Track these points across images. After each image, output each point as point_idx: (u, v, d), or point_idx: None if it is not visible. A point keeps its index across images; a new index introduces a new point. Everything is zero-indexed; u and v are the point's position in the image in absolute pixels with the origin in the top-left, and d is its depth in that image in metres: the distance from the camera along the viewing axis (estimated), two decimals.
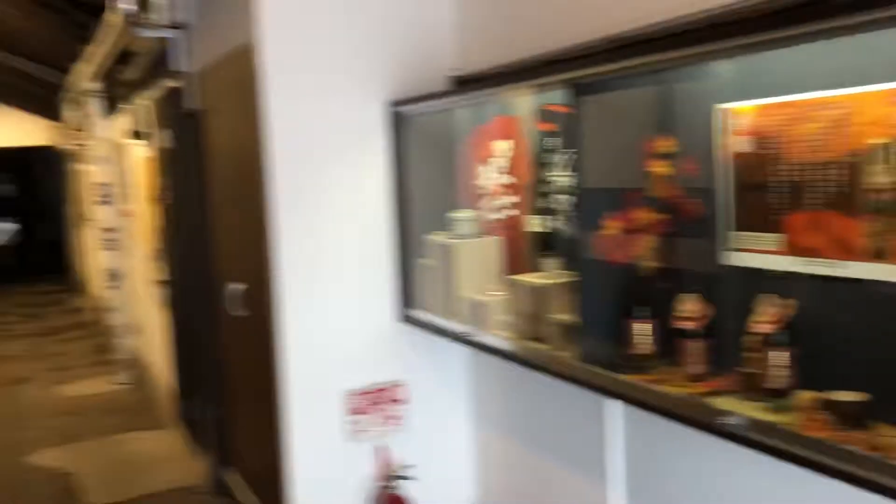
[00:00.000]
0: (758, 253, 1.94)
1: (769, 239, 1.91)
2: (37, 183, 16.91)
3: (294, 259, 3.08)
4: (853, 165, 1.68)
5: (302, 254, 3.09)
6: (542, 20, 2.74)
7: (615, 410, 2.51)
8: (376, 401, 3.21)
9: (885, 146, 1.61)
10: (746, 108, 1.95)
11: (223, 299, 3.83)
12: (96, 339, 8.63)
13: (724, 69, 1.94)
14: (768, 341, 1.81)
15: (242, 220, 3.50)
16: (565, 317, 2.40)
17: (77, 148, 8.39)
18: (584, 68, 2.20)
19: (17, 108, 11.36)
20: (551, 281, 2.51)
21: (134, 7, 3.72)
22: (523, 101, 2.80)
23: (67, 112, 7.51)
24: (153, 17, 3.82)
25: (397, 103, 3.14)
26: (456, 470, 3.41)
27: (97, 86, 6.09)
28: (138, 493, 4.36)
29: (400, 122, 3.15)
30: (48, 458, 5.02)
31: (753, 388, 1.85)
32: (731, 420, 1.79)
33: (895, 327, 1.65)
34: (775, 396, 1.80)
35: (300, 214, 3.08)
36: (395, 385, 3.24)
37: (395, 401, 3.24)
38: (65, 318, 10.31)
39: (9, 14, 5.85)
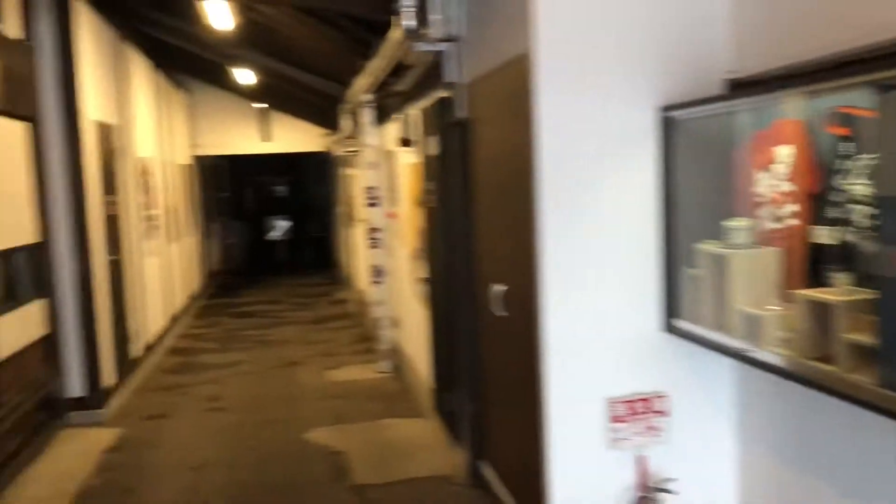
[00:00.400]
0: None
1: None
2: (307, 185, 18.73)
3: (558, 263, 3.14)
4: None
5: (566, 258, 3.14)
6: (831, 17, 2.55)
7: None
8: (638, 410, 3.17)
9: None
10: None
11: (485, 299, 4.00)
12: (359, 329, 9.38)
13: None
14: None
15: (507, 224, 3.63)
16: (860, 337, 2.22)
17: (348, 154, 9.16)
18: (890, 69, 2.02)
19: (297, 117, 12.62)
20: (842, 298, 2.33)
21: (414, 23, 3.98)
22: (810, 105, 2.63)
23: (343, 121, 8.21)
24: (431, 32, 4.06)
25: (669, 108, 3.08)
26: (718, 488, 3.28)
27: (370, 97, 6.60)
28: (400, 477, 4.67)
29: (671, 127, 3.09)
30: (321, 435, 5.53)
31: None
32: None
33: None
34: None
35: (566, 219, 3.13)
36: (658, 396, 3.18)
37: (656, 412, 3.18)
38: (330, 308, 11.30)
39: (301, 34, 6.54)
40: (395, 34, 4.46)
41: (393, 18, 4.35)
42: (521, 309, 3.47)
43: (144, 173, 8.39)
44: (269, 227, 18.25)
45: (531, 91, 3.10)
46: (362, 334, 9.00)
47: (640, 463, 3.17)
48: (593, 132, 3.12)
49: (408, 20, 3.89)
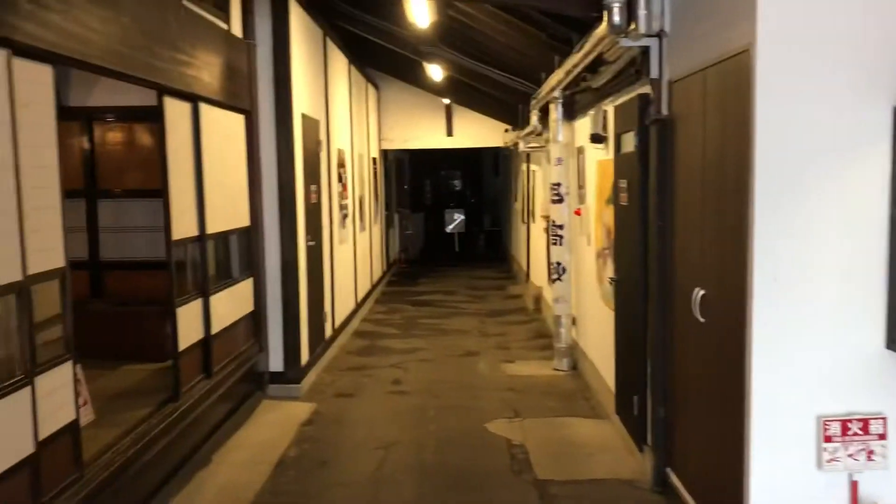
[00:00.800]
0: None
1: None
2: (482, 179, 19.02)
3: (770, 269, 2.99)
4: None
5: (779, 264, 2.99)
6: None
7: None
8: (853, 431, 2.97)
9: None
10: None
11: (681, 302, 3.89)
12: (535, 324, 9.41)
13: None
14: None
15: (712, 226, 3.50)
16: None
17: (531, 150, 9.18)
18: None
19: (478, 112, 12.80)
20: None
21: (621, 18, 3.93)
22: None
23: (529, 117, 8.25)
24: (636, 27, 4.00)
25: None
26: None
27: (562, 93, 6.58)
28: (582, 477, 4.65)
29: None
30: (501, 426, 5.61)
31: None
32: None
33: None
34: None
35: (781, 223, 2.98)
36: (877, 417, 2.96)
37: (875, 434, 2.96)
38: (505, 302, 11.41)
39: (497, 31, 6.63)
40: (596, 30, 4.43)
41: (594, 15, 4.31)
42: (723, 315, 3.34)
43: (341, 165, 8.85)
44: (445, 219, 18.70)
45: (750, 89, 2.97)
46: (538, 330, 9.02)
47: (854, 487, 2.97)
48: (817, 131, 2.95)
49: (614, 15, 3.83)
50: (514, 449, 5.15)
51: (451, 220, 18.85)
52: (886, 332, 2.95)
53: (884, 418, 2.96)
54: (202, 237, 5.09)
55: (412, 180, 18.46)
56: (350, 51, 9.87)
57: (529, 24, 6.26)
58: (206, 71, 5.17)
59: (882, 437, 2.96)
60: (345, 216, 9.17)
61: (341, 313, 8.84)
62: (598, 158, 6.03)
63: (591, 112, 6.10)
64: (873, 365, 2.98)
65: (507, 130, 11.87)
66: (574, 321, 7.22)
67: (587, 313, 6.79)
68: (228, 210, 5.69)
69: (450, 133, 13.44)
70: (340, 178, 8.87)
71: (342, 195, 8.90)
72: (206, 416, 5.09)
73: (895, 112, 2.89)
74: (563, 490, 4.47)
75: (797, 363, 3.01)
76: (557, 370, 7.16)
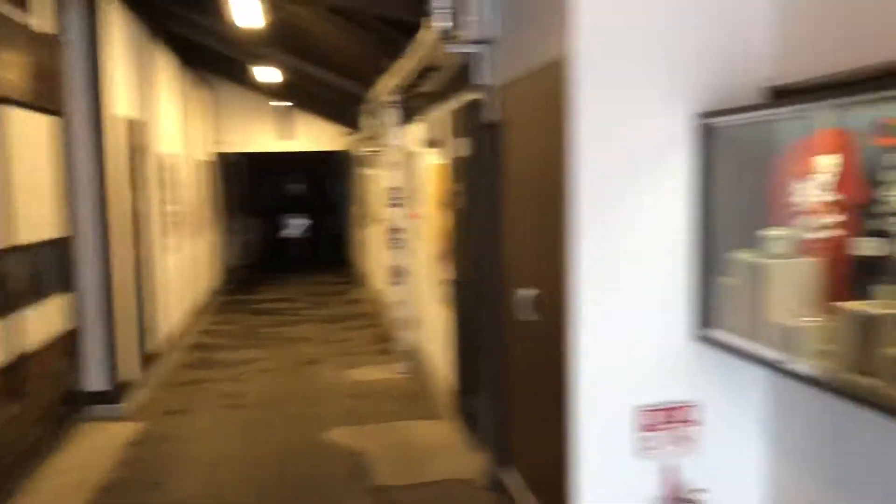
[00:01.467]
0: None
1: None
2: (325, 184, 18.78)
3: (591, 269, 3.11)
4: None
5: (599, 264, 3.11)
6: (875, 27, 2.52)
7: None
8: (668, 419, 3.14)
9: None
10: None
11: (512, 303, 3.98)
12: (377, 329, 9.37)
13: None
14: None
15: (538, 228, 3.60)
16: None
17: (368, 154, 9.16)
18: None
19: (319, 116, 12.64)
20: (886, 311, 2.30)
21: (449, 24, 3.96)
22: (855, 114, 2.59)
23: (364, 121, 8.22)
24: (465, 33, 4.05)
25: (707, 115, 3.05)
26: (748, 501, 3.24)
27: (395, 97, 6.59)
28: (421, 480, 4.66)
29: (709, 135, 3.06)
30: (341, 435, 5.53)
31: None
32: None
33: None
34: None
35: (600, 225, 3.10)
36: (688, 405, 3.15)
37: (687, 421, 3.15)
38: (347, 307, 11.30)
39: (329, 33, 6.54)
40: (425, 35, 4.45)
41: (424, 20, 4.33)
42: (551, 314, 3.45)
43: (167, 169, 8.43)
44: (287, 224, 18.30)
45: (567, 96, 3.08)
46: (380, 334, 9.00)
47: (670, 473, 3.14)
48: (630, 138, 3.09)
49: (441, 21, 3.86)
50: (354, 457, 5.08)
51: (292, 225, 18.48)
52: (694, 325, 3.14)
53: (694, 406, 3.15)
54: (4, 250, 4.65)
55: (255, 185, 17.90)
56: (183, 53, 9.44)
57: (361, 27, 6.22)
58: (7, 70, 4.73)
59: (693, 423, 3.15)
60: (174, 223, 8.74)
61: (175, 326, 8.42)
62: (435, 162, 6.09)
63: (427, 116, 6.15)
64: (685, 356, 3.17)
65: (346, 134, 11.79)
66: (415, 323, 7.25)
67: (427, 315, 6.84)
68: (38, 220, 5.24)
69: (289, 137, 13.19)
70: (169, 184, 8.44)
71: (170, 201, 8.48)
72: (14, 443, 4.66)
73: (694, 121, 3.08)
74: (402, 495, 4.46)
75: (618, 358, 3.15)
76: (400, 373, 7.16)
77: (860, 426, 2.67)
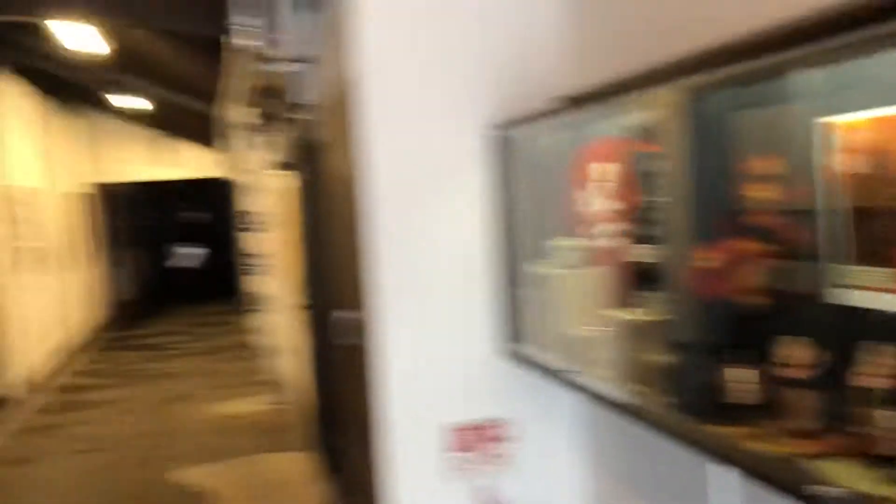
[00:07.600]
0: (870, 291, 1.64)
1: (883, 274, 1.60)
2: (213, 211, 18.30)
3: (393, 287, 3.03)
4: None
5: (401, 283, 3.03)
6: (653, 34, 2.54)
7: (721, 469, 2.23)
8: (478, 438, 3.07)
9: None
10: (858, 122, 1.66)
11: (340, 327, 3.86)
12: (255, 359, 9.10)
13: (822, 77, 1.67)
14: (877, 398, 1.52)
15: (351, 251, 3.51)
16: (660, 358, 2.17)
17: (238, 179, 8.94)
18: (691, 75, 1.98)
19: (196, 143, 12.32)
20: (645, 318, 2.28)
21: (258, 42, 3.86)
22: (632, 120, 2.59)
23: (223, 145, 8.01)
24: (280, 52, 3.94)
25: (501, 127, 3.02)
26: None
27: (245, 119, 6.43)
28: None
29: (502, 147, 3.03)
30: (188, 475, 5.29)
31: (861, 453, 1.55)
32: (831, 491, 1.50)
33: None
34: (887, 464, 1.50)
35: (399, 245, 3.03)
36: (499, 422, 3.09)
37: (498, 439, 3.09)
38: (230, 338, 10.96)
39: (169, 54, 6.31)
40: (230, 54, 4.33)
41: (223, 38, 4.20)
42: (365, 336, 3.35)
43: (20, 203, 7.99)
44: (174, 255, 17.74)
45: (359, 116, 3.00)
46: (257, 365, 8.74)
47: (484, 493, 3.07)
48: (423, 156, 3.04)
49: (244, 39, 3.75)
50: (193, 499, 4.84)
51: (186, 255, 17.93)
52: (497, 340, 3.09)
53: (503, 423, 3.09)
54: None
55: (145, 215, 17.27)
56: (46, 83, 9.02)
57: (195, 47, 6.03)
58: None
59: (505, 440, 3.09)
60: (35, 259, 8.29)
61: (37, 367, 7.96)
62: (287, 186, 5.94)
63: (276, 138, 6.00)
64: (492, 373, 3.11)
65: (220, 161, 11.52)
66: (278, 352, 7.05)
67: (290, 344, 6.65)
68: None
69: (175, 164, 12.81)
70: (22, 219, 8.01)
71: (24, 237, 8.04)
72: None
73: (487, 134, 3.05)
74: None
75: (426, 379, 3.07)
76: (270, 404, 6.94)
77: (651, 437, 2.65)
